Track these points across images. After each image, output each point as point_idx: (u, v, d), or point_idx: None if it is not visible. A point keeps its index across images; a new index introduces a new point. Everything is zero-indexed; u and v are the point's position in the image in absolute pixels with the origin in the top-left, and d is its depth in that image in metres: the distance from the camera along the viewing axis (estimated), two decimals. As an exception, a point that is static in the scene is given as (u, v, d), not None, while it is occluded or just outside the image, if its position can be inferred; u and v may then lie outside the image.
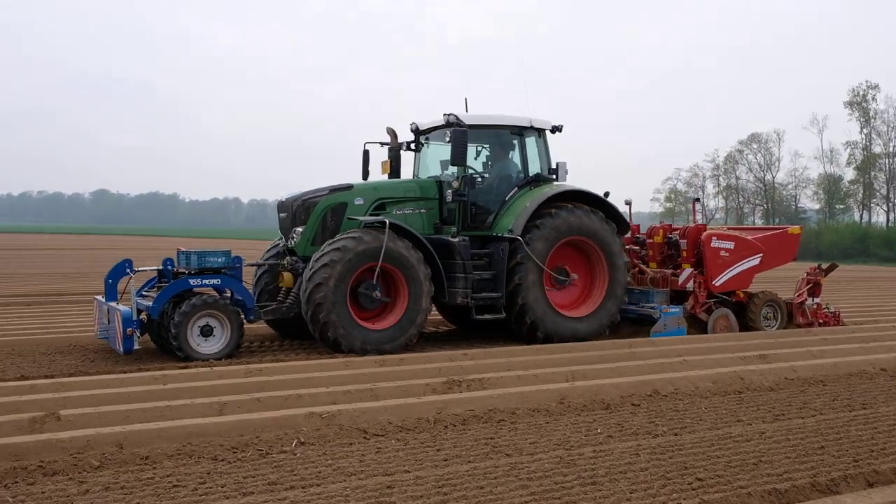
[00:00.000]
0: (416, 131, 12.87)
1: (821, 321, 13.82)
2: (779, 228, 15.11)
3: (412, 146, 13.06)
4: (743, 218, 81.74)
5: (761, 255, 13.17)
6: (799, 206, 79.31)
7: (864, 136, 70.28)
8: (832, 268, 14.46)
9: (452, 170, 11.97)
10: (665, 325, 12.23)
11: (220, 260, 10.95)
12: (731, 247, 12.90)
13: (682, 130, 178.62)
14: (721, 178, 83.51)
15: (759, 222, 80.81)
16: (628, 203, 14.39)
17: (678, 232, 13.60)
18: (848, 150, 71.63)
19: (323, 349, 10.98)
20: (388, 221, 10.80)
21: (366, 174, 12.95)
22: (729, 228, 14.91)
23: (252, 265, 12.27)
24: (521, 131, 12.32)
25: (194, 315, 10.31)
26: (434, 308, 12.23)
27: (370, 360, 9.92)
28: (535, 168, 12.47)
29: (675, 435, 6.96)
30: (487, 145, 12.71)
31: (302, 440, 6.67)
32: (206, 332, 10.42)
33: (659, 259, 13.86)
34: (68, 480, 5.67)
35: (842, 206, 74.84)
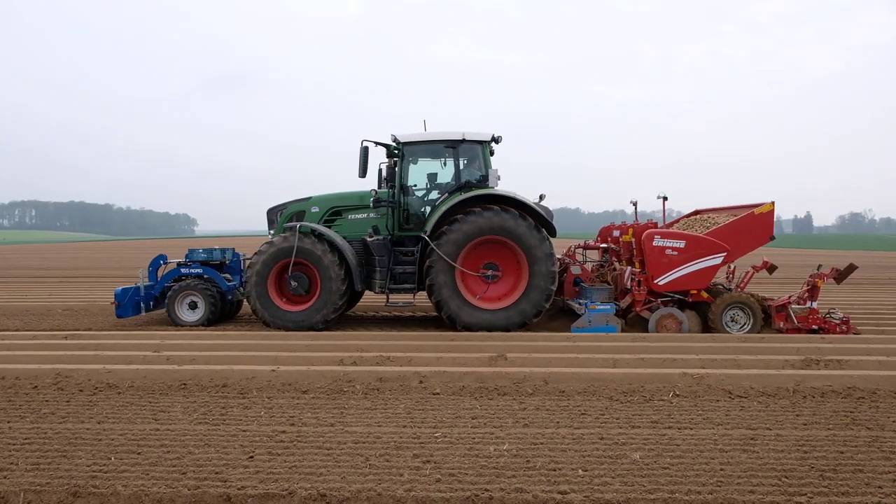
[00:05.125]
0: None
1: (815, 327, 9.14)
2: (745, 210, 9.64)
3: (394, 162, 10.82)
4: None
5: (725, 253, 9.21)
6: None
7: None
8: (850, 269, 9.18)
9: (412, 181, 10.19)
10: (590, 322, 9.23)
11: (202, 255, 10.79)
12: (681, 246, 9.25)
13: None
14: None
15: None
16: (663, 198, 10.62)
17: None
18: None
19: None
20: (298, 225, 9.80)
21: (363, 170, 9.90)
22: (714, 210, 10.49)
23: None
24: (454, 145, 9.98)
25: (180, 293, 10.26)
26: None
27: (733, 337, 8.88)
28: (469, 176, 9.97)
29: None
30: (428, 158, 10.43)
31: (677, 393, 6.25)
32: (192, 306, 10.30)
33: (627, 257, 10.40)
34: (511, 399, 6.06)
35: None
